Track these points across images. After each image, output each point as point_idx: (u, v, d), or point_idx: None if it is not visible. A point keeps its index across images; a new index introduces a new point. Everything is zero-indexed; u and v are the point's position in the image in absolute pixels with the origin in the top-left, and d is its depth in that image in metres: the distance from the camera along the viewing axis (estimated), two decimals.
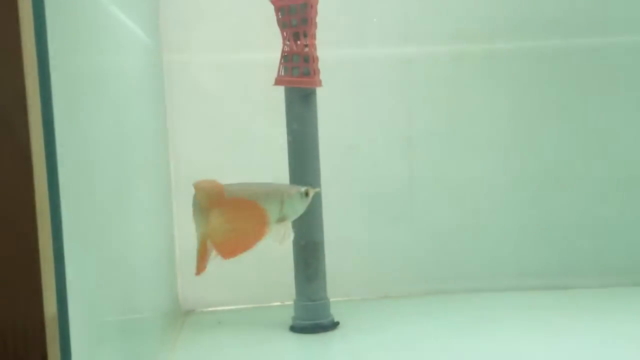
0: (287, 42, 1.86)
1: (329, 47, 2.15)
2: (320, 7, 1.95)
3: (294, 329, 1.89)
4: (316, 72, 1.89)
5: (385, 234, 2.38)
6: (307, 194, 1.67)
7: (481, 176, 2.40)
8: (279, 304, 2.22)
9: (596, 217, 2.43)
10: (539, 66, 2.37)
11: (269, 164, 2.13)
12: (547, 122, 2.40)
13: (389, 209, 2.40)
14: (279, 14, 1.86)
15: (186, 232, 2.35)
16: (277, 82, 1.89)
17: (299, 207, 1.67)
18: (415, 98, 2.40)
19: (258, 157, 2.22)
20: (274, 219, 1.62)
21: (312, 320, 1.87)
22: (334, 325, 1.91)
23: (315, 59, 1.89)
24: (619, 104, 2.41)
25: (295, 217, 1.67)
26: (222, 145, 2.21)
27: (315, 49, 1.90)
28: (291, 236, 1.64)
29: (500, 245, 2.42)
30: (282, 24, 1.86)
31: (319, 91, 2.00)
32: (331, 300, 2.01)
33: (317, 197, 1.92)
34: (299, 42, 1.86)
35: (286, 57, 1.87)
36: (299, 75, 1.87)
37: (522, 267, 2.43)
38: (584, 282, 2.42)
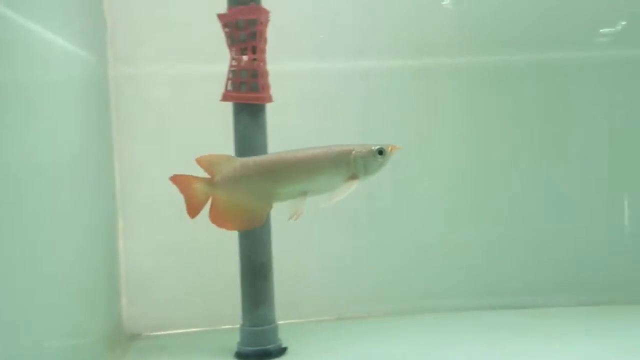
0: (235, 57, 1.80)
1: (284, 60, 2.11)
2: (276, 20, 1.90)
3: (239, 355, 1.81)
4: (265, 87, 1.83)
5: (341, 251, 2.33)
6: (381, 153, 1.55)
7: (442, 191, 2.36)
8: (229, 327, 2.14)
9: (561, 235, 2.41)
10: (499, 81, 2.34)
11: None
12: (507, 137, 2.37)
13: (346, 225, 2.34)
14: (227, 28, 1.79)
15: (133, 251, 2.30)
16: (225, 98, 1.82)
17: (371, 167, 1.55)
18: (373, 112, 2.36)
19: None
20: (340, 180, 1.54)
21: (258, 346, 1.80)
22: (281, 351, 1.84)
23: (264, 74, 1.83)
24: (578, 119, 2.39)
25: (368, 176, 1.57)
26: (172, 159, 2.13)
27: (265, 63, 1.84)
28: (302, 211, 1.55)
29: (462, 263, 2.38)
30: (230, 39, 1.80)
31: (274, 105, 1.95)
32: (283, 322, 1.94)
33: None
34: (247, 57, 1.80)
35: (234, 72, 1.81)
36: (247, 90, 1.81)
37: (486, 285, 2.38)
38: (551, 301, 2.39)
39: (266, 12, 1.81)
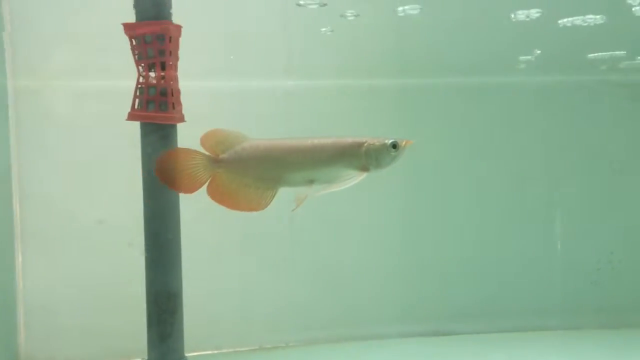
0: (143, 74, 1.69)
1: (204, 77, 2.02)
2: (195, 37, 1.81)
3: None
4: (176, 106, 1.73)
5: (261, 278, 2.24)
6: (395, 146, 1.47)
7: (364, 215, 2.32)
8: None
9: (485, 260, 2.40)
10: (422, 102, 2.33)
11: (128, 199, 1.93)
12: (431, 157, 2.36)
13: (265, 251, 2.26)
14: (134, 42, 1.68)
15: (32, 282, 2.13)
16: (131, 117, 1.71)
17: (384, 160, 1.47)
18: (295, 131, 2.29)
19: (116, 191, 2.02)
20: (349, 171, 1.45)
21: None
22: None
23: (175, 93, 1.73)
24: (509, 141, 2.40)
25: (379, 169, 1.48)
26: (77, 179, 2.00)
27: (176, 81, 1.74)
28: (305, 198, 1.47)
29: (384, 289, 2.34)
30: (138, 55, 1.69)
31: (191, 125, 1.85)
32: (199, 353, 1.84)
33: (173, 242, 1.73)
34: (155, 74, 1.69)
35: (141, 90, 1.69)
36: (155, 109, 1.70)
37: (407, 313, 2.35)
38: (471, 328, 2.37)
39: (177, 28, 1.71)
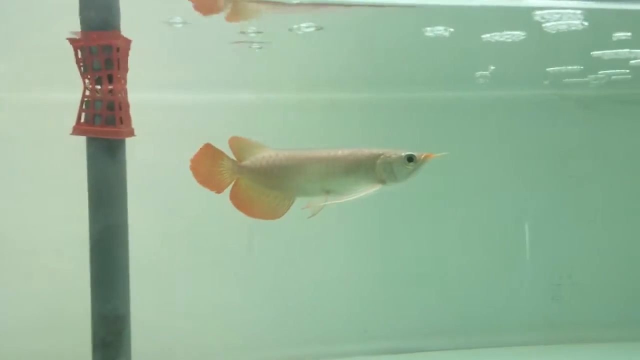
0: (89, 87, 1.62)
1: (154, 90, 1.96)
2: (148, 49, 1.75)
3: None
4: (125, 120, 1.66)
5: (217, 297, 2.19)
6: (411, 160, 1.43)
7: (323, 232, 2.28)
8: None
9: (445, 277, 2.39)
10: (378, 116, 2.32)
11: (72, 217, 1.86)
12: None
13: (222, 269, 2.21)
14: (79, 53, 1.62)
15: None
16: (75, 131, 1.64)
17: (400, 174, 1.44)
18: None
19: (58, 210, 1.95)
20: (365, 184, 1.45)
21: None
22: None
23: (124, 106, 1.66)
24: (469, 154, 2.40)
25: (396, 183, 1.46)
26: (18, 197, 1.92)
27: (125, 94, 1.68)
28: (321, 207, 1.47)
29: (343, 307, 2.30)
30: (83, 66, 1.62)
31: (142, 138, 1.78)
32: None
33: (120, 260, 1.67)
34: (103, 87, 1.63)
35: (87, 103, 1.63)
36: (101, 124, 1.63)
37: (367, 330, 2.31)
38: (431, 345, 2.35)
39: (125, 40, 1.65)
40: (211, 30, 1.75)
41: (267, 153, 1.51)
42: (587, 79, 2.18)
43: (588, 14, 1.44)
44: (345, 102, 2.31)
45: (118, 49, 1.65)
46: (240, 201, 1.50)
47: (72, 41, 1.63)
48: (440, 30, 1.59)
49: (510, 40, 1.62)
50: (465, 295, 2.42)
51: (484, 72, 2.02)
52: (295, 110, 2.27)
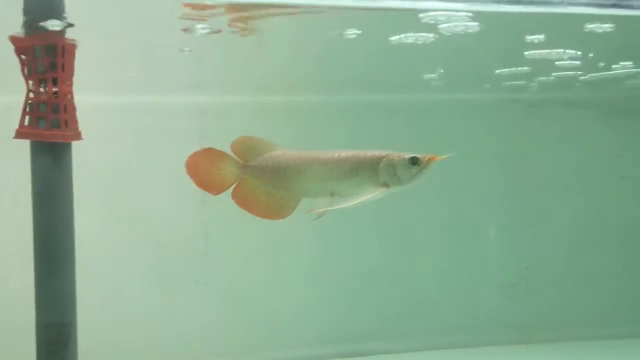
0: (32, 89, 1.58)
1: (109, 92, 1.93)
2: (98, 50, 1.72)
3: None
4: (70, 124, 1.63)
5: (170, 302, 2.16)
6: (414, 162, 1.39)
7: (281, 233, 2.27)
8: None
9: (399, 278, 2.40)
10: (334, 118, 2.32)
11: (15, 223, 1.81)
12: None
13: (179, 274, 2.18)
14: (22, 55, 1.58)
15: None
16: (19, 135, 1.60)
17: (404, 177, 1.41)
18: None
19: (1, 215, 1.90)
20: (369, 186, 1.41)
21: None
22: None
23: (69, 109, 1.63)
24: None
25: (400, 187, 1.42)
26: None
27: (71, 97, 1.64)
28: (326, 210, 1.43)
29: (296, 312, 2.29)
30: (26, 68, 1.58)
31: (100, 142, 1.76)
32: None
33: (66, 267, 1.63)
34: (47, 89, 1.59)
35: (31, 106, 1.59)
36: (46, 127, 1.59)
37: (320, 335, 2.31)
38: (385, 347, 2.35)
39: (70, 41, 1.61)
40: (162, 31, 1.72)
41: (275, 153, 1.48)
42: (525, 82, 2.22)
43: (480, 16, 1.44)
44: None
45: (63, 51, 1.62)
46: (244, 201, 1.47)
47: (14, 41, 1.59)
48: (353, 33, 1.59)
49: (420, 42, 1.61)
50: (419, 297, 2.43)
51: (431, 75, 2.03)
52: (250, 113, 2.26)
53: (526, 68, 1.95)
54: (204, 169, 1.48)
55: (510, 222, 2.53)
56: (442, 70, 1.99)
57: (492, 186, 2.46)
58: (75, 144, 1.66)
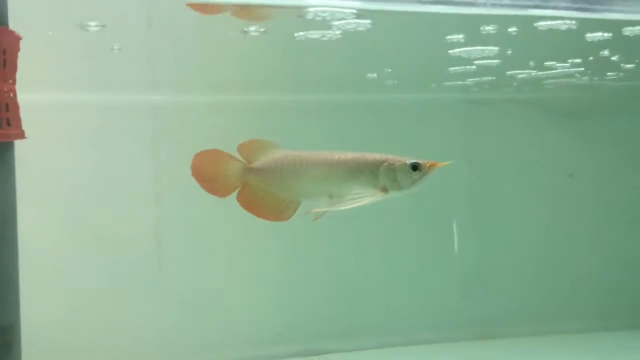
0: None
1: (54, 90, 1.89)
2: (45, 47, 1.68)
3: None
4: (14, 122, 1.59)
5: (124, 303, 2.12)
6: (415, 168, 1.38)
7: (235, 235, 2.26)
8: None
9: (354, 277, 2.41)
10: (293, 118, 2.32)
11: None
12: None
13: (132, 275, 2.15)
14: None
15: None
16: None
17: (404, 182, 1.40)
18: (162, 150, 2.20)
19: None
20: (369, 190, 1.41)
21: None
22: None
23: (12, 107, 1.59)
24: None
25: (400, 193, 1.41)
26: None
27: (14, 94, 1.61)
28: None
29: (255, 311, 2.28)
30: None
31: (46, 142, 1.72)
32: None
33: (8, 267, 1.59)
34: None
35: None
36: None
37: (280, 334, 2.30)
38: (342, 346, 2.37)
39: (12, 35, 1.57)
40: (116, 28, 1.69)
41: (278, 154, 1.47)
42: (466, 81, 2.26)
43: (369, 14, 1.45)
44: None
45: (4, 50, 1.59)
46: (249, 204, 1.47)
47: None
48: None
49: (327, 38, 1.61)
50: (378, 296, 2.44)
51: (372, 75, 2.05)
52: (206, 112, 2.24)
53: (473, 67, 1.98)
54: (209, 171, 1.46)
55: (465, 221, 2.57)
56: (389, 70, 2.01)
57: (446, 185, 2.49)
58: (22, 144, 1.63)
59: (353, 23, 1.51)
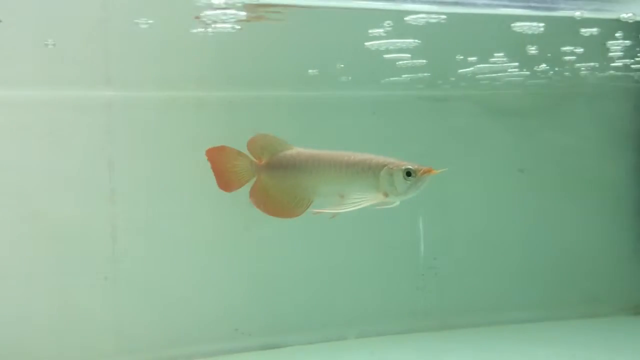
0: None
1: (6, 86, 1.87)
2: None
3: None
4: None
5: (80, 298, 2.12)
6: (408, 174, 1.39)
7: (191, 230, 2.27)
8: None
9: (311, 270, 2.44)
10: (247, 115, 2.33)
11: None
12: None
13: (86, 271, 2.14)
14: None
15: None
16: None
17: (400, 188, 1.41)
18: (117, 146, 2.19)
19: None
20: (372, 193, 1.43)
21: None
22: None
23: None
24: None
25: (398, 198, 1.42)
26: None
27: None
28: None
29: (212, 306, 2.30)
30: None
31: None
32: None
33: None
34: None
35: None
36: None
37: (237, 328, 2.33)
38: (298, 339, 2.40)
39: None
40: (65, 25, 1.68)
41: (289, 152, 1.49)
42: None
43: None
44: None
45: None
46: (259, 200, 1.49)
47: None
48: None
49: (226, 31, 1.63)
50: (334, 290, 2.48)
51: (313, 71, 2.09)
52: (160, 108, 2.24)
53: (423, 60, 2.02)
54: (220, 167, 1.49)
55: (420, 215, 2.62)
56: (342, 65, 2.04)
57: None
58: None
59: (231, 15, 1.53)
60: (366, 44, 1.75)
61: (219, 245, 2.29)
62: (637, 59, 2.13)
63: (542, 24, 1.67)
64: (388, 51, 1.83)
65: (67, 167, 2.13)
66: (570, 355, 2.29)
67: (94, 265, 2.16)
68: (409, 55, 1.90)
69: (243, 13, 1.50)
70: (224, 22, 1.57)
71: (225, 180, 1.50)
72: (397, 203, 1.46)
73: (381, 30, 1.65)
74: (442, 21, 1.58)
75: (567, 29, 1.74)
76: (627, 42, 1.91)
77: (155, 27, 1.78)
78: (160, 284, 2.23)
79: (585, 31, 1.76)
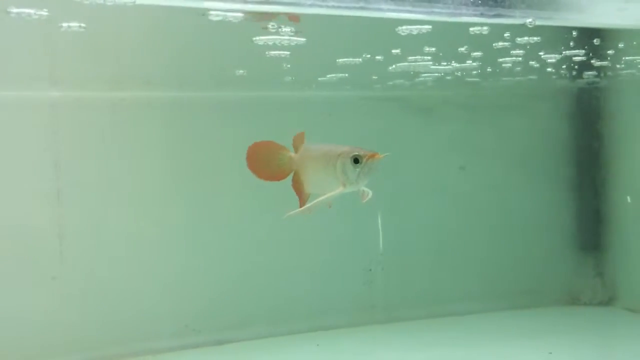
0: None
1: None
2: None
3: None
4: None
5: (29, 298, 2.12)
6: (357, 161, 1.37)
7: (139, 229, 2.29)
8: None
9: (266, 267, 2.48)
10: (197, 116, 2.36)
11: None
12: (204, 170, 2.39)
13: (33, 271, 2.14)
14: None
15: None
16: None
17: (351, 175, 1.39)
18: (63, 146, 2.19)
19: None
20: (335, 184, 1.43)
21: None
22: None
23: None
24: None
25: (352, 187, 1.40)
26: None
27: None
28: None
29: (161, 304, 2.32)
30: None
31: None
32: None
33: None
34: None
35: None
36: None
37: (187, 324, 2.36)
38: (253, 334, 2.44)
39: None
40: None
41: (306, 146, 1.54)
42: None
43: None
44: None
45: None
46: (297, 189, 1.55)
47: None
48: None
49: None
50: (283, 285, 2.52)
51: (241, 72, 2.13)
52: (106, 108, 2.25)
53: (358, 59, 2.07)
54: (264, 160, 1.54)
55: (370, 212, 2.68)
56: (288, 66, 2.08)
57: None
58: None
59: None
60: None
61: (166, 243, 2.31)
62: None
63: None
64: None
65: (13, 167, 2.12)
66: (510, 345, 2.39)
67: (41, 266, 2.15)
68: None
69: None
70: None
71: (270, 172, 1.56)
72: (370, 194, 1.46)
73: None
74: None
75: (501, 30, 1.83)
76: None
77: (98, 26, 1.80)
78: (107, 283, 2.24)
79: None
